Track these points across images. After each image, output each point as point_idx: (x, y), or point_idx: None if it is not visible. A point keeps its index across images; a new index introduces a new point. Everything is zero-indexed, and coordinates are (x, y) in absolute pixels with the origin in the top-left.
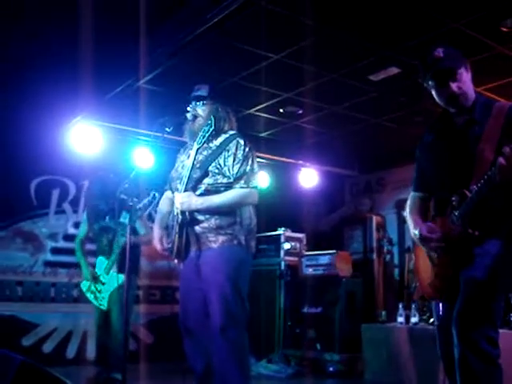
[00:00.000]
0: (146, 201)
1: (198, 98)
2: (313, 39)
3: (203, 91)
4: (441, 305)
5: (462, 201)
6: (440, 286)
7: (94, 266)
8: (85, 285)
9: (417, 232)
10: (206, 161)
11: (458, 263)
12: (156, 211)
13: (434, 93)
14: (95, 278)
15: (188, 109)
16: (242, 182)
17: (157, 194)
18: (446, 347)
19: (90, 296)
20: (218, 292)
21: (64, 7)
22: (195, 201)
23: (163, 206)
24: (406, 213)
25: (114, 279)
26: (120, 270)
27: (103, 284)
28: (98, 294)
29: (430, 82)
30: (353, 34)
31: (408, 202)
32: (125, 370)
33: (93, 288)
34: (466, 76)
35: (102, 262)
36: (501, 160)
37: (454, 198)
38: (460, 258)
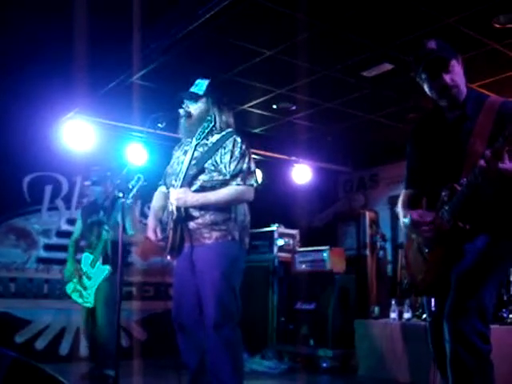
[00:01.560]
0: (129, 185)
1: (192, 95)
2: (306, 35)
3: (198, 88)
4: (433, 300)
5: (452, 195)
6: (432, 281)
7: (79, 262)
8: (69, 287)
9: (407, 219)
10: (202, 158)
11: (450, 259)
12: (142, 198)
13: (426, 87)
14: (80, 275)
15: (182, 105)
16: (239, 179)
17: (141, 177)
18: (438, 343)
19: (75, 296)
20: (213, 288)
21: (57, 3)
22: (191, 197)
23: (156, 201)
24: (398, 208)
25: (99, 272)
26: (104, 262)
27: (89, 279)
28: (83, 292)
29: (422, 75)
30: (346, 30)
31: (400, 199)
32: (118, 366)
33: (78, 287)
34: (458, 69)
35: (87, 257)
36: (481, 162)
37: (444, 193)
38: (451, 254)
